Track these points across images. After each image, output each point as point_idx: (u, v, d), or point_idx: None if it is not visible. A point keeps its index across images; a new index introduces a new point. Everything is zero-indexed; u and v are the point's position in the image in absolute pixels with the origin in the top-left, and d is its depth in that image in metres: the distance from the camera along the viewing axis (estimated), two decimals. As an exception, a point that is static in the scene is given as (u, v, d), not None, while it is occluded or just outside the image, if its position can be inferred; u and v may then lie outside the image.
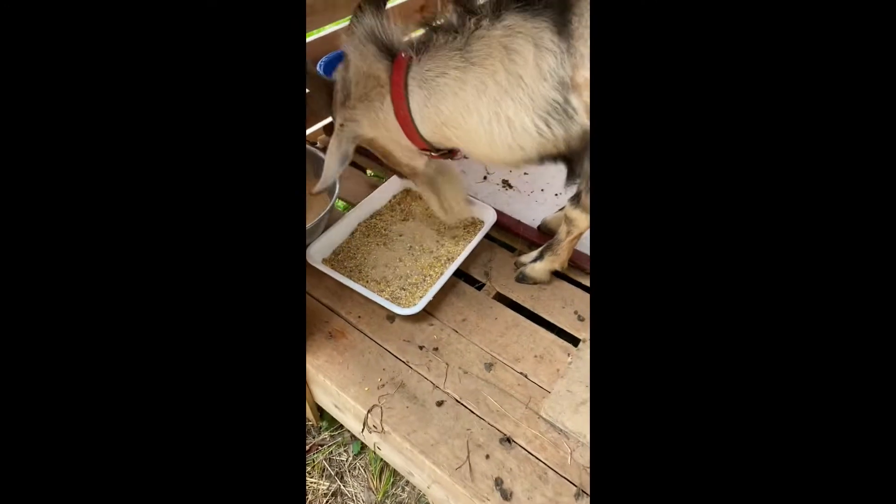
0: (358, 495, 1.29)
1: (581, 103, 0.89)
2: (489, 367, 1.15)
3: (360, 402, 1.09)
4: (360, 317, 1.25)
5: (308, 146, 1.49)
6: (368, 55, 1.02)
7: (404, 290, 1.28)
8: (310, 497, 1.29)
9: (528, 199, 1.62)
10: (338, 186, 1.38)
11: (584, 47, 0.84)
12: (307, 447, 1.37)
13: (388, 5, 1.03)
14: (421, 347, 1.19)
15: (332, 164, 1.12)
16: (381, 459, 1.30)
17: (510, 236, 1.48)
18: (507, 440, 1.02)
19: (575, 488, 0.95)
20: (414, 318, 1.24)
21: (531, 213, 1.54)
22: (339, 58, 1.13)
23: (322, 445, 1.38)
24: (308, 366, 1.17)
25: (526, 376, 1.13)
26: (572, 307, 1.27)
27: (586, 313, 1.26)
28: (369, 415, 1.08)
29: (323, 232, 1.38)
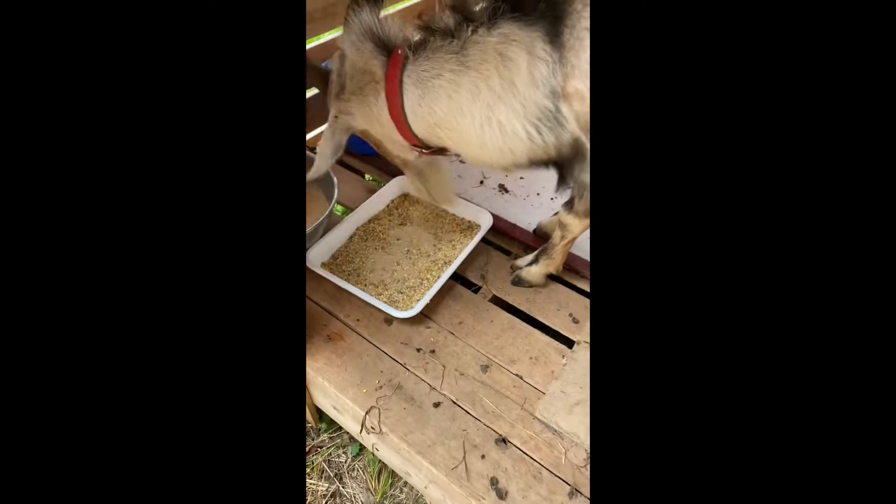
0: (357, 496, 1.31)
1: (571, 113, 0.92)
2: (485, 368, 1.17)
3: (359, 403, 1.11)
4: (358, 320, 1.27)
5: (308, 152, 1.51)
6: (365, 51, 1.04)
7: (402, 293, 1.30)
8: (309, 498, 1.30)
9: (523, 203, 1.64)
10: (336, 191, 1.40)
11: (574, 58, 0.86)
12: (307, 449, 1.39)
13: (387, 12, 1.05)
14: (418, 350, 1.21)
15: (325, 153, 1.14)
16: (380, 461, 1.32)
17: (506, 240, 1.50)
18: (503, 440, 1.04)
19: (569, 487, 0.97)
20: (411, 321, 1.26)
21: (527, 217, 1.56)
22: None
23: (321, 447, 1.39)
24: (307, 368, 1.19)
25: (521, 378, 1.15)
26: (567, 310, 1.30)
27: (581, 316, 1.28)
28: (367, 416, 1.09)
29: (322, 236, 1.40)
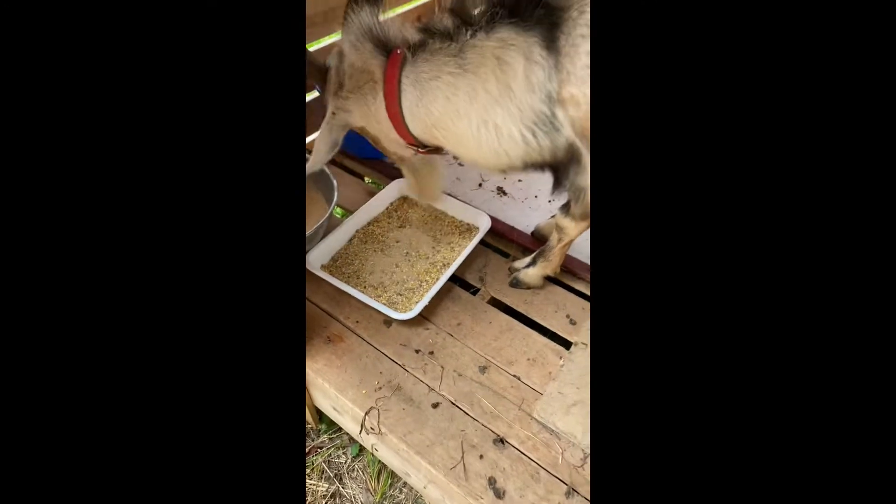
0: (356, 497, 1.32)
1: (566, 117, 0.93)
2: (483, 370, 1.18)
3: (358, 404, 1.12)
4: (357, 321, 1.28)
5: (308, 155, 1.52)
6: (364, 50, 1.05)
7: (401, 295, 1.31)
8: (309, 498, 1.31)
9: (521, 206, 1.65)
10: (336, 194, 1.41)
11: (570, 64, 0.88)
12: (307, 450, 1.40)
13: (386, 16, 1.06)
14: (417, 351, 1.22)
15: (321, 150, 1.14)
16: (379, 461, 1.33)
17: (504, 242, 1.51)
18: (501, 441, 1.05)
19: (566, 487, 0.98)
20: (410, 323, 1.27)
21: (525, 220, 1.57)
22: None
23: (321, 448, 1.41)
24: (307, 370, 1.20)
25: (519, 379, 1.16)
26: (564, 311, 1.31)
27: (578, 317, 1.29)
28: (367, 417, 1.11)
29: (322, 239, 1.41)
